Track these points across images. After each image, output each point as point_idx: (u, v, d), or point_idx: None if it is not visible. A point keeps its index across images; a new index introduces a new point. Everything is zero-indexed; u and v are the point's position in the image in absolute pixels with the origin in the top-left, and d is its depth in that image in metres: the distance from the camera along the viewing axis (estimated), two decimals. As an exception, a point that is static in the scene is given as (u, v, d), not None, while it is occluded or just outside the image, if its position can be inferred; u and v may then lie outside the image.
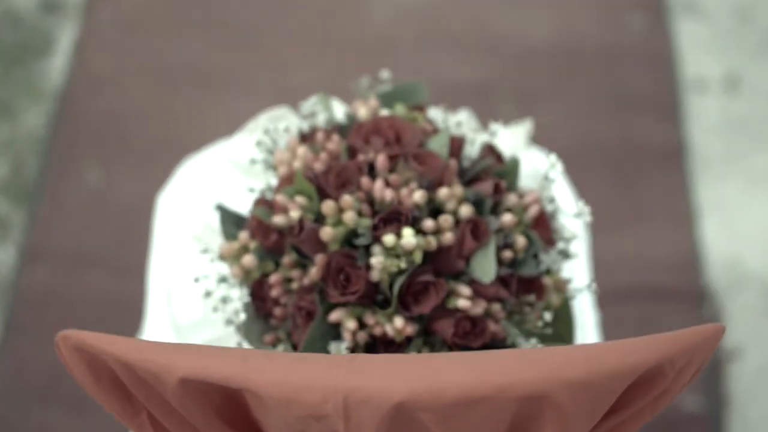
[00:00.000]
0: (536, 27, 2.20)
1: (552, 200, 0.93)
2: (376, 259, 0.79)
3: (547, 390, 0.63)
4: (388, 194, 0.82)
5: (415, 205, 0.82)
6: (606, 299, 1.49)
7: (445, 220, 0.81)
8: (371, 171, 0.85)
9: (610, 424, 0.69)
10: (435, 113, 0.96)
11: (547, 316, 0.85)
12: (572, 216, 0.89)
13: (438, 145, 0.86)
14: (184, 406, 0.67)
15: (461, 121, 0.94)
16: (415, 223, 0.81)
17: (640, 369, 0.65)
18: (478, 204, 0.84)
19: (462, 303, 0.81)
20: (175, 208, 1.29)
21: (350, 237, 0.82)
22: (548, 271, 0.88)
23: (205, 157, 1.33)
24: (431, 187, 0.83)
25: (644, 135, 2.09)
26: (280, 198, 0.84)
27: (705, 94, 2.15)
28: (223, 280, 0.87)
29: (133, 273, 1.69)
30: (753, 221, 1.98)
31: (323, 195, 0.83)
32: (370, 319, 0.81)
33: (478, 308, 0.81)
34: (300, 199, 0.83)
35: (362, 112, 0.90)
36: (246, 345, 0.85)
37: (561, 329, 0.93)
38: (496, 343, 0.84)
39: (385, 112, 0.89)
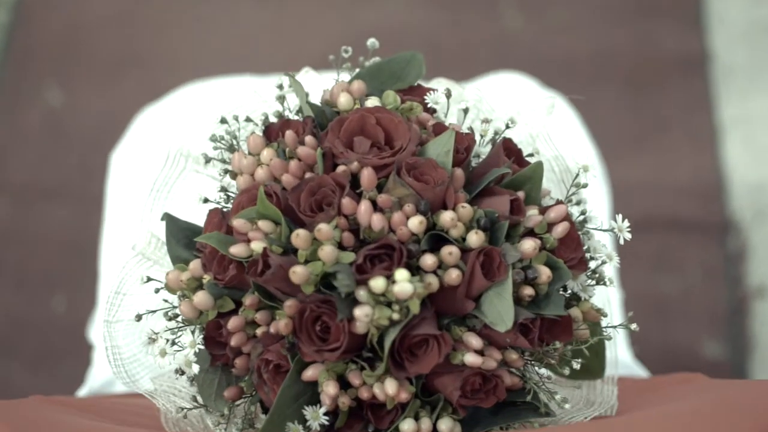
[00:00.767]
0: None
1: (580, 203, 0.74)
2: (361, 311, 0.61)
3: None
4: (377, 221, 0.64)
5: (411, 234, 0.64)
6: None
7: (450, 253, 0.63)
8: (354, 183, 0.66)
9: None
10: (437, 85, 0.76)
11: (576, 365, 0.68)
12: (602, 255, 0.71)
13: (440, 150, 0.66)
14: None
15: (466, 101, 0.74)
16: (411, 257, 0.63)
17: None
18: (489, 227, 0.66)
19: (471, 359, 0.64)
20: (130, 171, 1.10)
21: (329, 275, 0.64)
22: (576, 298, 0.71)
23: (164, 107, 1.14)
24: (432, 209, 0.65)
25: (663, 42, 1.87)
26: (238, 224, 0.65)
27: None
28: (174, 316, 0.70)
29: (99, 204, 1.49)
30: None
31: (293, 219, 0.65)
32: (355, 378, 0.64)
33: (491, 362, 0.65)
34: (264, 225, 0.65)
35: (343, 100, 0.70)
36: (201, 399, 0.69)
37: (591, 362, 0.76)
38: (513, 395, 0.68)
39: (372, 102, 0.70)
